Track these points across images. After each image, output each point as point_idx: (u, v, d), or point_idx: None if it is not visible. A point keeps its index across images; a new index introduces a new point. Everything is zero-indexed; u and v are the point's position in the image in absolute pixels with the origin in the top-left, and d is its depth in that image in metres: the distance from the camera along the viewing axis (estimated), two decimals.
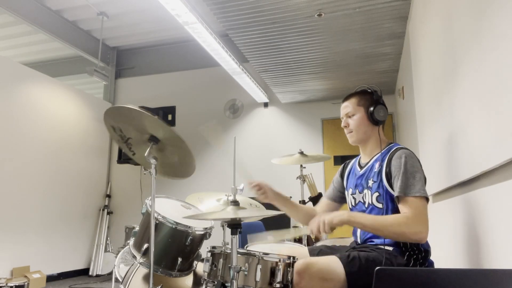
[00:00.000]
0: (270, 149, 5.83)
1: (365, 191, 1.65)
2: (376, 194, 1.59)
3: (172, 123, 6.39)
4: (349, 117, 1.70)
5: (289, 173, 5.67)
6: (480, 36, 1.24)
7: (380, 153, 1.65)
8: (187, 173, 2.05)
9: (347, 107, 1.71)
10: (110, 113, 1.83)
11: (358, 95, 1.71)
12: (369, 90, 1.71)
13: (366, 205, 1.64)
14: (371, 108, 1.65)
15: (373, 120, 1.65)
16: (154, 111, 6.00)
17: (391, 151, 1.59)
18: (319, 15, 3.26)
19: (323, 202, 1.93)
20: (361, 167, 1.73)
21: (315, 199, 3.15)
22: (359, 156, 1.80)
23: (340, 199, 1.86)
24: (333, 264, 1.44)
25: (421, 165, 1.54)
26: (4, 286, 4.08)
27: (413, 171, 1.48)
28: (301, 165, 3.21)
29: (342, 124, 1.73)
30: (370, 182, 1.63)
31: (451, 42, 1.67)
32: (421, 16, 2.55)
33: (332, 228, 1.46)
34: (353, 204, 1.73)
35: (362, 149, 1.74)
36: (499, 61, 1.08)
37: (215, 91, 6.26)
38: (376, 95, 1.68)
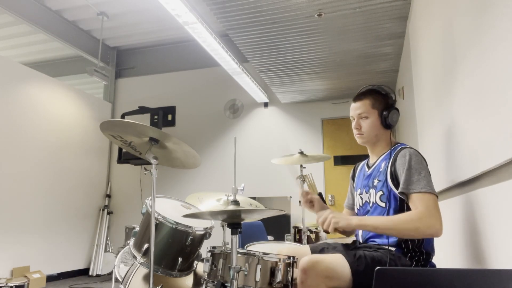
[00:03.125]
0: (270, 149, 5.83)
1: (371, 190, 1.66)
2: (380, 193, 1.59)
3: (172, 123, 6.39)
4: (361, 118, 1.66)
5: (289, 173, 5.67)
6: (481, 36, 1.24)
7: (386, 153, 1.66)
8: (195, 164, 2.09)
9: (360, 108, 1.66)
10: (105, 126, 1.84)
11: (372, 96, 1.66)
12: (383, 92, 1.69)
13: (371, 204, 1.64)
14: (385, 112, 1.63)
15: (386, 124, 1.64)
16: (154, 111, 6.01)
17: (396, 150, 1.59)
18: (319, 15, 3.26)
19: (345, 212, 1.93)
20: (369, 167, 1.74)
21: None
22: (368, 157, 1.80)
23: None
24: (339, 262, 1.43)
25: (426, 164, 1.54)
26: (4, 286, 4.08)
27: (418, 168, 1.48)
28: (301, 165, 3.20)
29: (354, 125, 1.69)
30: (376, 181, 1.63)
31: (451, 42, 1.67)
32: (421, 16, 2.55)
33: (336, 229, 1.47)
34: (360, 204, 1.73)
35: (371, 149, 1.74)
36: (499, 61, 1.08)
37: (215, 91, 6.26)
38: (390, 98, 1.67)
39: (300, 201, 1.84)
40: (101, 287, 4.90)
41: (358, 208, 1.75)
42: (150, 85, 6.67)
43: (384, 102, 1.66)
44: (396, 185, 1.52)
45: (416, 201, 1.44)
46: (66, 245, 5.54)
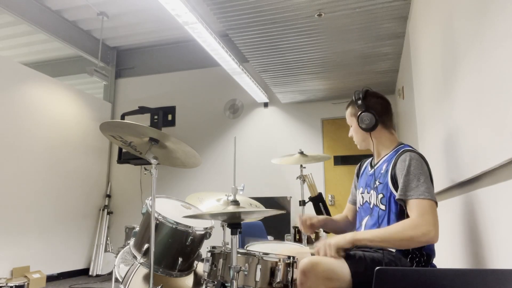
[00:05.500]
0: (270, 149, 5.83)
1: (372, 191, 1.65)
2: (381, 195, 1.58)
3: (172, 123, 6.39)
4: (351, 127, 1.79)
5: (289, 173, 5.68)
6: (481, 36, 1.24)
7: (388, 155, 1.65)
8: (195, 164, 2.10)
9: (347, 118, 1.81)
10: (105, 126, 1.84)
11: (351, 105, 1.77)
12: (353, 100, 1.73)
13: (371, 206, 1.64)
14: (358, 118, 1.67)
15: (363, 128, 1.67)
16: (154, 111, 6.01)
17: (398, 153, 1.58)
18: (319, 15, 3.26)
19: (347, 207, 1.94)
20: (372, 167, 1.74)
21: (315, 199, 3.15)
22: (373, 156, 1.81)
23: None
24: (339, 263, 1.43)
25: (428, 168, 1.51)
26: (4, 286, 4.08)
27: (417, 173, 1.46)
28: (301, 165, 3.20)
29: (349, 134, 1.82)
30: (377, 183, 1.62)
31: (451, 42, 1.67)
32: (421, 16, 2.55)
33: (338, 252, 1.46)
34: (361, 203, 1.73)
35: (372, 150, 1.75)
36: (499, 61, 1.08)
37: (215, 91, 6.26)
38: (357, 103, 1.68)
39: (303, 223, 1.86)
40: (101, 287, 4.90)
41: (359, 206, 1.75)
42: (150, 85, 6.67)
43: (357, 108, 1.70)
44: (397, 189, 1.51)
45: (413, 208, 1.43)
46: (66, 245, 5.54)
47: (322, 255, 1.47)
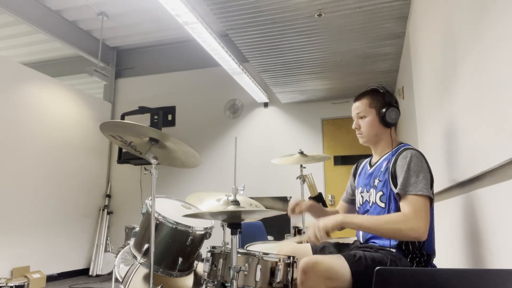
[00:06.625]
0: (270, 149, 5.83)
1: (371, 190, 1.65)
2: (380, 193, 1.59)
3: (172, 123, 6.39)
4: (360, 118, 1.69)
5: (289, 173, 5.67)
6: (481, 35, 1.24)
7: (388, 153, 1.64)
8: (195, 164, 2.09)
9: (358, 107, 1.69)
10: (105, 126, 1.84)
11: (370, 95, 1.68)
12: (381, 91, 1.67)
13: (370, 204, 1.64)
14: (383, 110, 1.62)
15: (385, 123, 1.63)
16: (154, 111, 6.01)
17: (398, 151, 1.58)
18: (319, 15, 3.26)
19: (340, 205, 1.94)
20: (371, 166, 1.73)
21: (315, 199, 3.15)
22: (372, 156, 1.80)
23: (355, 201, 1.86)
24: (339, 263, 1.43)
25: (428, 166, 1.52)
26: (4, 286, 4.08)
27: (417, 170, 1.46)
28: (301, 165, 3.20)
29: (353, 126, 1.71)
30: (376, 181, 1.62)
31: (451, 42, 1.67)
32: (421, 16, 2.55)
33: (328, 233, 1.45)
34: (361, 203, 1.73)
35: (373, 149, 1.74)
36: (499, 61, 1.08)
37: (215, 91, 6.26)
38: (388, 96, 1.64)
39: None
40: (101, 287, 4.90)
41: (359, 206, 1.75)
42: (150, 85, 6.67)
43: (382, 100, 1.65)
44: (396, 185, 1.52)
45: (407, 203, 1.43)
46: (66, 245, 5.54)
47: (314, 239, 1.45)
